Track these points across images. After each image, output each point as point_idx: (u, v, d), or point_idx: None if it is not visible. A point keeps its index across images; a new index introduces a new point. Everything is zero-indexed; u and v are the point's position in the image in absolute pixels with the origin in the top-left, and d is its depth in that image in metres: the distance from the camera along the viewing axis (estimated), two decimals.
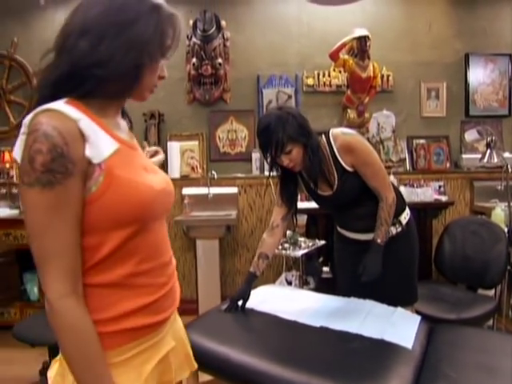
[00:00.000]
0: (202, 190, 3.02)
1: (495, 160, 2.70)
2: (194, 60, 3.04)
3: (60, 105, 0.66)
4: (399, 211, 1.73)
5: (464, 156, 3.28)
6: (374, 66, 3.02)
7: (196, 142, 3.20)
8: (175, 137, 3.19)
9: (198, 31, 3.04)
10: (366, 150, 1.64)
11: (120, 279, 0.73)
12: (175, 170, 3.09)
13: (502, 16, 3.43)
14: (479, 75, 3.41)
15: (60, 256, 0.66)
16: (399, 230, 1.75)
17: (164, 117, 3.19)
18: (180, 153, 3.15)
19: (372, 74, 2.99)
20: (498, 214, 2.57)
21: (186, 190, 3.03)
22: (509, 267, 2.29)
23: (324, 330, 1.55)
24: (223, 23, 3.12)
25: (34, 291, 2.83)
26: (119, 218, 0.70)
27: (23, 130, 0.65)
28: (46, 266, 0.66)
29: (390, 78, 3.27)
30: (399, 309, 1.70)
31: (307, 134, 1.57)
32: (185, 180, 3.09)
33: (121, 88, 0.75)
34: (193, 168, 3.08)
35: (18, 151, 0.66)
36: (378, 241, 1.64)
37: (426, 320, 1.70)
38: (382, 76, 3.24)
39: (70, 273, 0.67)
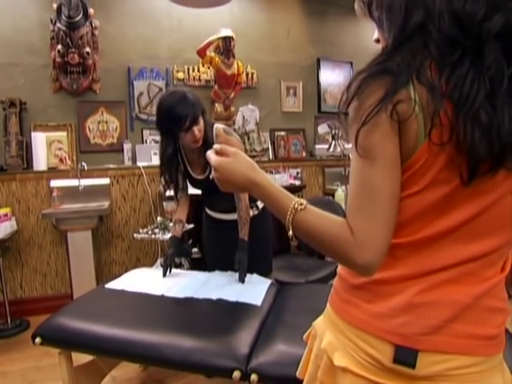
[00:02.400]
0: (72, 182, 2.93)
1: (338, 150, 3.23)
2: (60, 47, 2.91)
3: None
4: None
5: (317, 146, 3.80)
6: (238, 64, 3.31)
7: (64, 133, 3.08)
8: (40, 127, 3.02)
9: (63, 17, 2.89)
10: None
11: None
12: (41, 162, 2.93)
13: (346, 29, 4.03)
14: (328, 78, 3.97)
15: None
16: (256, 212, 2.03)
17: (26, 105, 2.99)
18: (46, 144, 3.01)
19: (236, 72, 3.27)
20: (339, 194, 3.10)
21: (55, 183, 2.91)
22: None
23: (189, 300, 1.76)
24: (91, 11, 3.03)
25: None
26: None
27: None
28: None
29: (254, 75, 3.60)
30: (254, 275, 2.00)
31: (202, 112, 1.78)
32: (53, 172, 2.96)
33: None
34: (61, 160, 2.97)
35: None
36: (245, 238, 1.89)
37: (281, 285, 2.04)
38: (247, 74, 3.54)
39: None
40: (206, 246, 2.23)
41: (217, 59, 3.14)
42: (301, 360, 0.89)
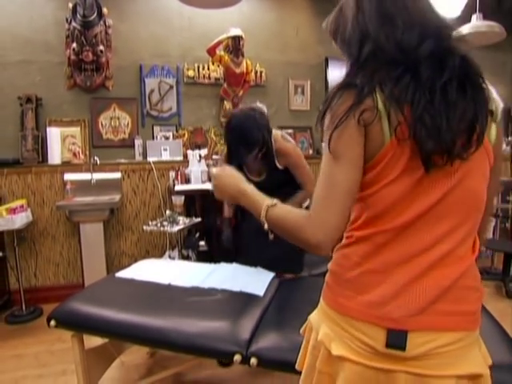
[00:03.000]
0: (85, 176, 3.04)
1: None
2: (74, 45, 3.02)
3: None
4: None
5: (323, 144, 3.84)
6: (247, 63, 3.37)
7: (78, 128, 3.19)
8: (55, 122, 3.13)
9: (78, 16, 3.00)
10: (300, 156, 2.03)
11: None
12: (56, 156, 3.04)
13: None
14: (336, 76, 4.00)
15: None
16: None
17: (42, 101, 3.10)
18: (61, 139, 3.12)
19: (245, 70, 3.34)
20: None
21: (68, 176, 3.02)
22: None
23: (195, 289, 1.84)
24: (105, 10, 3.14)
25: None
26: None
27: None
28: None
29: (263, 74, 3.66)
30: (258, 268, 2.08)
31: (270, 134, 1.90)
32: (67, 166, 3.07)
33: None
34: (75, 154, 3.08)
35: None
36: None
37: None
38: (256, 72, 3.60)
39: None
40: (245, 244, 2.26)
41: (226, 58, 3.21)
42: (299, 347, 0.97)
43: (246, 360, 1.36)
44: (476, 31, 3.17)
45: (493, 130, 0.77)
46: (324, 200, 0.75)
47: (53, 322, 1.61)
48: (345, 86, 0.75)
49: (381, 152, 0.73)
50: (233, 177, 0.94)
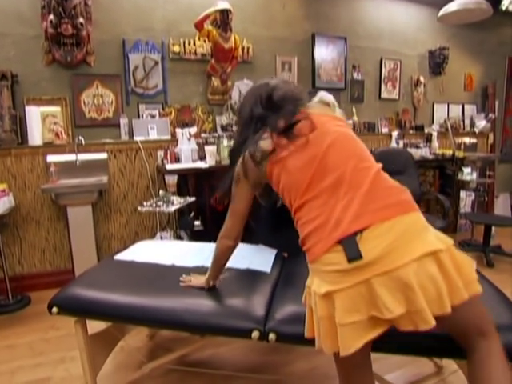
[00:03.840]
0: (69, 157, 2.89)
1: None
2: (52, 17, 2.81)
3: None
4: None
5: None
6: (235, 38, 3.27)
7: (58, 107, 3.02)
8: (34, 101, 2.94)
9: None
10: None
11: None
12: (36, 137, 2.86)
13: (341, 4, 4.02)
14: (323, 53, 3.97)
15: None
16: None
17: (18, 78, 2.90)
18: (41, 118, 2.94)
19: (234, 45, 3.24)
20: None
21: (51, 158, 2.86)
22: None
23: (200, 268, 1.80)
24: None
25: None
26: None
27: None
28: None
29: (250, 50, 3.57)
30: (260, 245, 2.06)
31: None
32: (49, 147, 2.90)
33: None
34: (57, 134, 2.92)
35: None
36: None
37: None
38: (243, 48, 3.51)
39: None
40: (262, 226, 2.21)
41: (214, 32, 3.10)
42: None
43: (264, 336, 1.35)
44: (464, 8, 3.19)
45: None
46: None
47: (55, 309, 1.53)
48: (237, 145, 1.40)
49: (268, 173, 1.25)
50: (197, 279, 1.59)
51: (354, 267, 0.95)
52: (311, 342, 1.13)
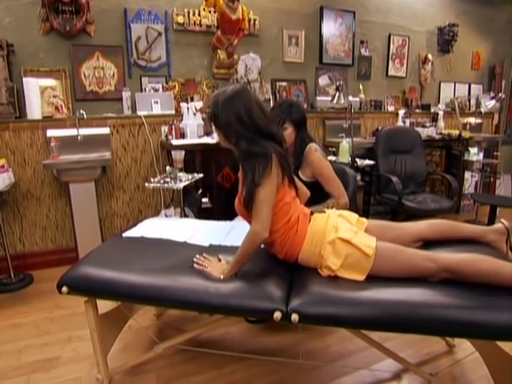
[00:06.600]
0: (70, 132, 2.78)
1: (342, 101, 3.17)
2: None
3: None
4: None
5: (318, 98, 3.72)
6: (242, 9, 3.12)
7: (58, 80, 2.88)
8: (31, 72, 2.80)
9: None
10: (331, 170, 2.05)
11: None
12: (35, 110, 2.73)
13: None
14: (331, 27, 3.83)
15: None
16: None
17: (14, 48, 2.74)
18: (39, 91, 2.81)
19: (241, 17, 3.09)
20: (344, 145, 3.08)
21: (52, 132, 2.75)
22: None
23: (216, 247, 1.75)
24: None
25: None
26: None
27: None
28: None
29: (257, 22, 3.42)
30: None
31: (302, 127, 2.05)
32: (49, 121, 2.78)
33: None
34: (57, 108, 2.79)
35: None
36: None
37: None
38: (249, 20, 3.36)
39: None
40: None
41: (221, 2, 2.95)
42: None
43: (286, 317, 1.30)
44: None
45: None
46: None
47: (65, 288, 1.46)
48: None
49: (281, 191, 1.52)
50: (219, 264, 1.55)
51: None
52: (333, 322, 1.11)
